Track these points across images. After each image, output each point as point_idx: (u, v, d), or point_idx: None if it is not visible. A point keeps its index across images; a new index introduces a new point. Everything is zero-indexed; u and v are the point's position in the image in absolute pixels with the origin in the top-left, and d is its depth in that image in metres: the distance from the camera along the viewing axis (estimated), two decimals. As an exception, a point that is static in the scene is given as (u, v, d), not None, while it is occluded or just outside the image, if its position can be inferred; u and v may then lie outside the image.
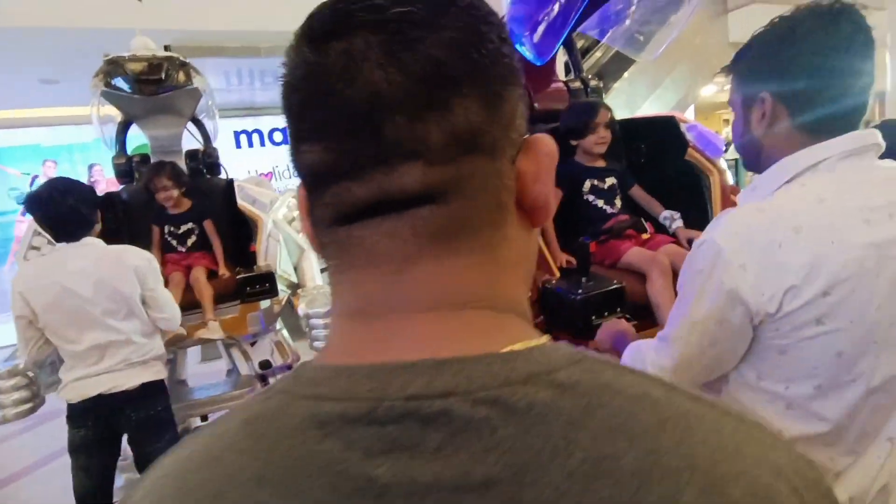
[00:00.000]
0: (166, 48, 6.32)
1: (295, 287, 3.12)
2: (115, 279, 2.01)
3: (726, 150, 4.64)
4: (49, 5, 5.65)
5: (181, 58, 2.68)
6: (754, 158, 0.99)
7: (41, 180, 7.53)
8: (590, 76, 2.16)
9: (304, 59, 0.35)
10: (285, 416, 0.32)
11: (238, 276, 2.74)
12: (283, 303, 3.02)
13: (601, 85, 2.16)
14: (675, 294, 1.46)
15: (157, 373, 2.18)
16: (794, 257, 0.82)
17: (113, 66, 2.47)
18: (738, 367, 0.95)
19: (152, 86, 2.51)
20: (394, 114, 0.32)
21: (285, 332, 3.22)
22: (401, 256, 0.34)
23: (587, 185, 1.86)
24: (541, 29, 1.56)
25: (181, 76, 2.62)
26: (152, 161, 2.98)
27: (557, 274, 1.62)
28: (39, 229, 2.45)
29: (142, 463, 2.24)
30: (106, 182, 7.69)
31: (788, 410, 0.91)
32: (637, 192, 1.96)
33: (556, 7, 1.47)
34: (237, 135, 9.08)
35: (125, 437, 2.18)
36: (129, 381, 2.07)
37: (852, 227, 0.84)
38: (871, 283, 0.83)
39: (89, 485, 2.09)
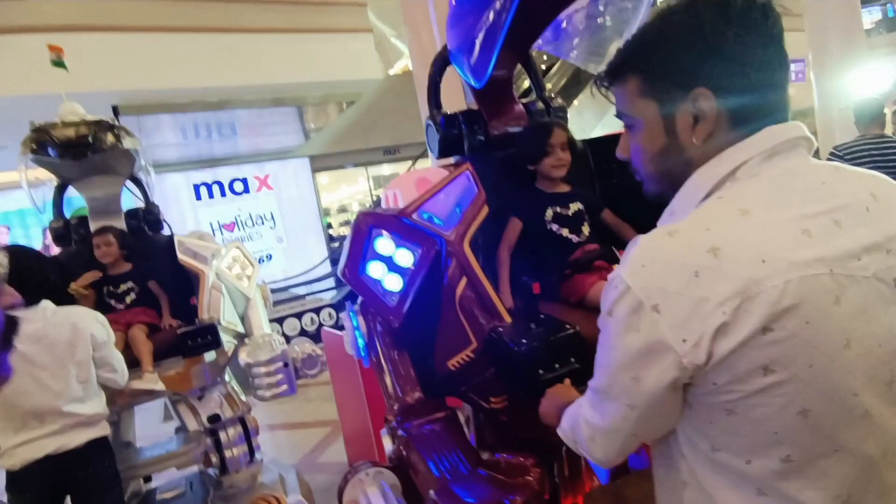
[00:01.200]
0: (114, 109, 6.42)
1: (242, 337, 3.12)
2: (69, 343, 2.10)
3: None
4: (-5, 75, 5.70)
5: (110, 121, 2.74)
6: (676, 182, 0.80)
7: (-6, 247, 7.43)
8: (552, 94, 1.97)
9: None
10: None
11: (178, 331, 2.74)
12: (230, 354, 3.02)
13: (564, 105, 1.96)
14: None
15: (103, 429, 2.24)
16: (717, 287, 0.65)
17: (39, 133, 2.52)
18: (688, 432, 0.77)
19: (80, 150, 2.56)
20: None
21: (234, 384, 3.21)
22: None
23: (549, 212, 1.66)
24: (476, 47, 1.46)
25: (109, 138, 2.67)
26: (91, 223, 3.00)
27: (507, 318, 1.40)
28: None
29: None
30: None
31: (761, 497, 0.71)
32: (609, 216, 1.75)
33: (488, 20, 1.37)
34: (196, 188, 9.09)
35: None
36: (76, 439, 2.12)
37: (788, 240, 0.67)
38: (829, 312, 0.65)
39: None
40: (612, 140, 1.84)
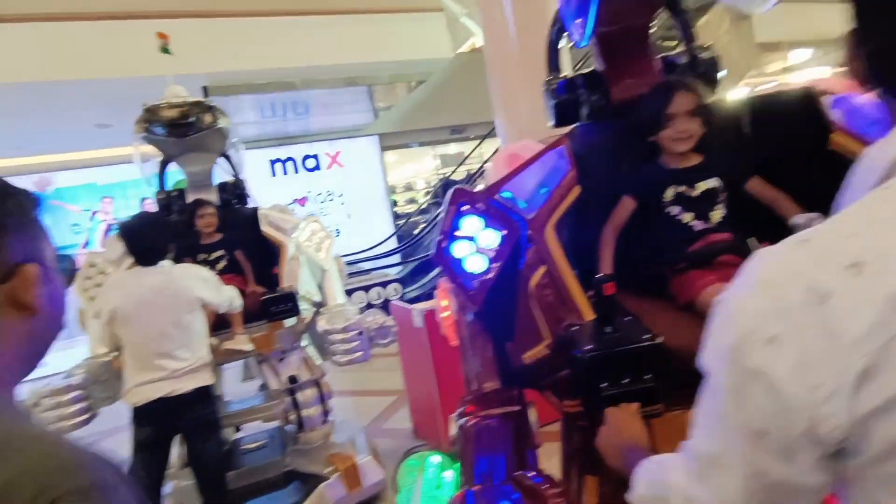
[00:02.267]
0: (204, 89, 6.85)
1: (318, 306, 3.34)
2: (183, 293, 2.47)
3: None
4: (101, 59, 6.23)
5: (208, 102, 2.98)
6: None
7: (100, 216, 8.16)
8: (706, 44, 1.59)
9: None
10: None
11: (262, 297, 2.98)
12: (308, 321, 3.23)
13: (716, 57, 1.58)
14: None
15: (208, 377, 2.58)
16: (856, 316, 0.49)
17: (149, 114, 2.82)
18: None
19: (183, 129, 2.82)
20: None
21: (312, 349, 3.44)
22: None
23: (669, 192, 1.38)
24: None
25: (208, 118, 2.91)
26: (188, 195, 3.28)
27: (587, 315, 1.18)
28: (94, 261, 2.82)
29: (192, 461, 2.63)
30: (155, 215, 8.30)
31: None
32: (757, 186, 1.38)
33: None
34: (272, 163, 9.57)
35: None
36: (186, 385, 2.47)
37: None
38: None
39: (146, 482, 2.43)
40: (777, 98, 1.54)
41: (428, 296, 6.62)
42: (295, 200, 9.34)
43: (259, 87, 7.61)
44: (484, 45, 4.53)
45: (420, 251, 9.00)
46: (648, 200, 1.40)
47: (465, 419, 1.40)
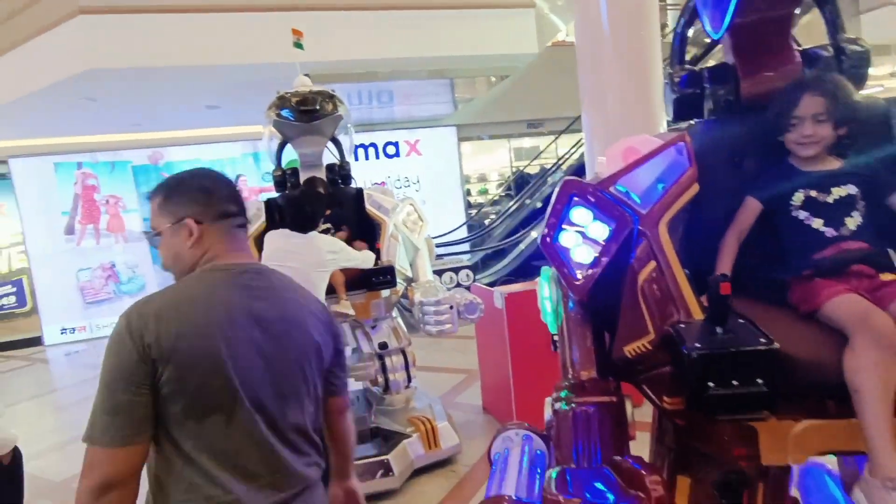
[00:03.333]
0: (305, 76, 7.37)
1: (410, 281, 3.64)
2: (316, 254, 2.94)
3: None
4: (215, 48, 6.87)
5: (331, 91, 3.34)
6: None
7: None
8: (855, 38, 1.45)
9: None
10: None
11: (365, 269, 3.29)
12: (400, 294, 3.56)
13: (865, 50, 1.43)
14: (895, 379, 1.02)
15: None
16: None
17: (281, 100, 3.21)
18: None
19: (309, 114, 3.19)
20: None
21: (400, 320, 3.77)
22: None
23: (799, 196, 1.30)
24: None
25: (330, 106, 3.27)
26: (301, 174, 3.66)
27: (697, 315, 1.16)
28: None
29: None
30: (248, 191, 8.97)
31: None
32: None
33: None
34: (356, 149, 10.11)
35: None
36: None
37: None
38: None
39: None
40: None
41: (500, 282, 6.91)
42: (373, 185, 9.85)
43: (355, 77, 8.06)
44: (576, 40, 4.60)
45: (489, 241, 9.24)
46: (776, 202, 1.32)
47: (560, 404, 1.40)
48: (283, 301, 1.29)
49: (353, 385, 3.95)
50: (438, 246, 9.09)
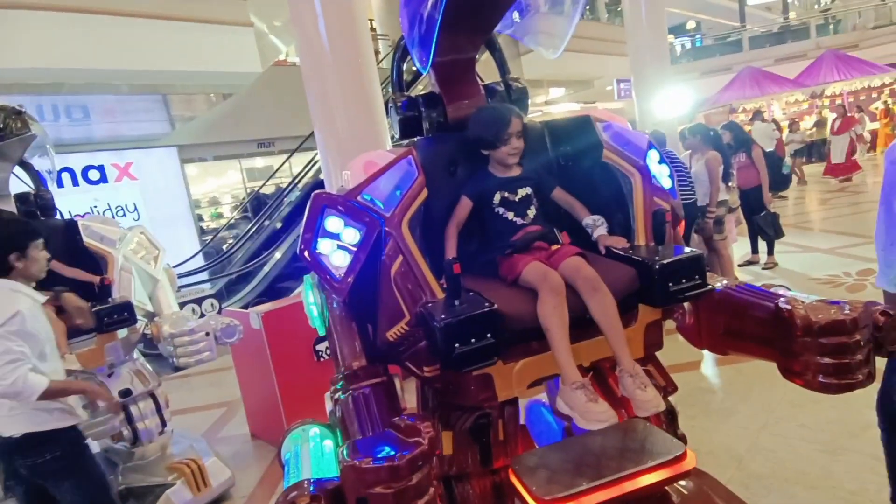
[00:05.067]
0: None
1: (151, 315, 3.29)
2: None
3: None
4: None
5: (18, 106, 2.78)
6: None
7: None
8: (516, 77, 1.95)
9: None
10: None
11: (95, 308, 2.85)
12: (141, 331, 3.18)
13: (525, 87, 1.94)
14: (568, 315, 1.44)
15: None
16: None
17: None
18: None
19: (-10, 136, 2.60)
20: None
21: (143, 360, 3.36)
22: None
23: (497, 197, 1.72)
24: (416, 36, 1.47)
25: (16, 124, 2.73)
26: None
27: (439, 294, 1.45)
28: None
29: None
30: None
31: None
32: (560, 195, 1.79)
33: (426, 11, 1.36)
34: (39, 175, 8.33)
35: None
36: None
37: None
38: None
39: None
40: (565, 123, 1.91)
41: (251, 305, 6.54)
42: (75, 216, 8.28)
43: (30, 88, 6.65)
44: (301, 62, 4.78)
45: (231, 267, 8.70)
46: (482, 202, 1.72)
47: (339, 394, 1.57)
48: None
49: (92, 446, 3.32)
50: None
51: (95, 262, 3.11)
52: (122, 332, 3.01)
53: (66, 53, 6.32)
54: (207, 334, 3.09)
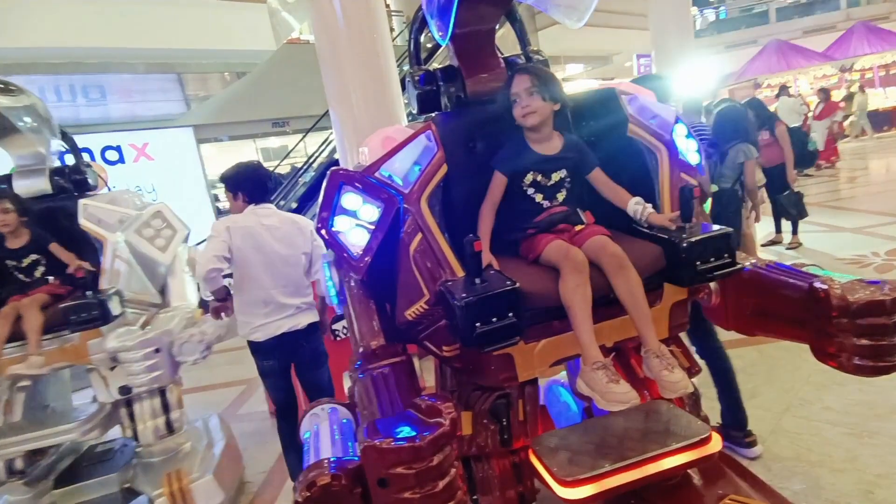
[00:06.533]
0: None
1: (158, 307, 3.05)
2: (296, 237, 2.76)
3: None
4: None
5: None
6: None
7: None
8: (537, 49, 1.89)
9: None
10: None
11: (61, 306, 2.63)
12: (143, 323, 2.89)
13: (546, 59, 1.88)
14: (591, 294, 1.38)
15: (316, 314, 2.86)
16: None
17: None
18: None
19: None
20: None
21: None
22: None
23: (530, 177, 1.64)
24: (436, 4, 1.42)
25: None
26: (14, 181, 2.92)
27: (459, 273, 1.41)
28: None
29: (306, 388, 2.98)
30: None
31: None
32: (599, 176, 1.68)
33: None
34: (61, 155, 8.41)
35: None
36: (303, 321, 2.78)
37: None
38: None
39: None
40: (591, 97, 1.82)
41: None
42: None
43: (47, 68, 6.68)
44: (315, 39, 4.71)
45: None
46: (515, 178, 1.63)
47: (358, 373, 1.55)
48: None
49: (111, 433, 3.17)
50: (190, 258, 8.27)
51: (93, 245, 2.91)
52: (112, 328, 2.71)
53: (82, 32, 6.32)
54: (158, 350, 2.69)
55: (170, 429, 2.95)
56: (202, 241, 8.25)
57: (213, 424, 3.46)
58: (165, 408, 2.94)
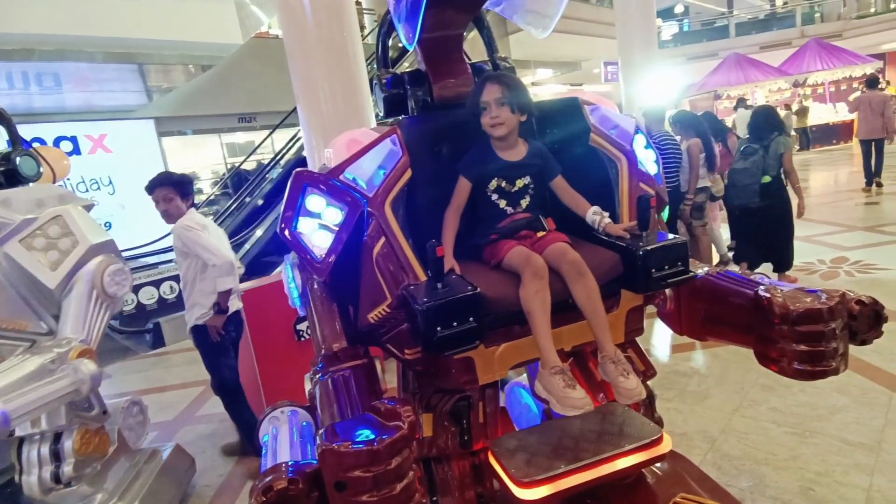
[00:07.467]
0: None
1: (47, 336, 2.52)
2: None
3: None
4: None
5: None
6: None
7: None
8: (504, 56, 1.90)
9: None
10: None
11: None
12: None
13: (513, 66, 1.89)
14: (550, 300, 1.41)
15: None
16: None
17: None
18: None
19: None
20: None
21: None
22: None
23: (494, 183, 1.65)
24: (403, 10, 1.41)
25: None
26: None
27: (422, 277, 1.41)
28: None
29: None
30: None
31: None
32: (561, 184, 1.70)
33: None
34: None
35: None
36: None
37: None
38: None
39: None
40: (548, 106, 1.82)
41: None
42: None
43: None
44: (283, 35, 4.65)
45: (210, 243, 8.52)
46: (478, 184, 1.63)
47: (319, 375, 1.53)
48: None
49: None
50: (149, 255, 8.01)
51: None
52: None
53: (36, 18, 6.04)
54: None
55: (57, 481, 2.46)
56: (160, 238, 7.96)
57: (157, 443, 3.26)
58: (56, 455, 2.45)
